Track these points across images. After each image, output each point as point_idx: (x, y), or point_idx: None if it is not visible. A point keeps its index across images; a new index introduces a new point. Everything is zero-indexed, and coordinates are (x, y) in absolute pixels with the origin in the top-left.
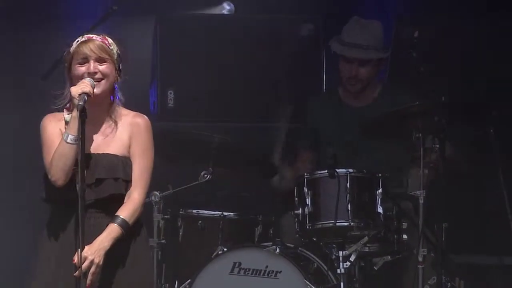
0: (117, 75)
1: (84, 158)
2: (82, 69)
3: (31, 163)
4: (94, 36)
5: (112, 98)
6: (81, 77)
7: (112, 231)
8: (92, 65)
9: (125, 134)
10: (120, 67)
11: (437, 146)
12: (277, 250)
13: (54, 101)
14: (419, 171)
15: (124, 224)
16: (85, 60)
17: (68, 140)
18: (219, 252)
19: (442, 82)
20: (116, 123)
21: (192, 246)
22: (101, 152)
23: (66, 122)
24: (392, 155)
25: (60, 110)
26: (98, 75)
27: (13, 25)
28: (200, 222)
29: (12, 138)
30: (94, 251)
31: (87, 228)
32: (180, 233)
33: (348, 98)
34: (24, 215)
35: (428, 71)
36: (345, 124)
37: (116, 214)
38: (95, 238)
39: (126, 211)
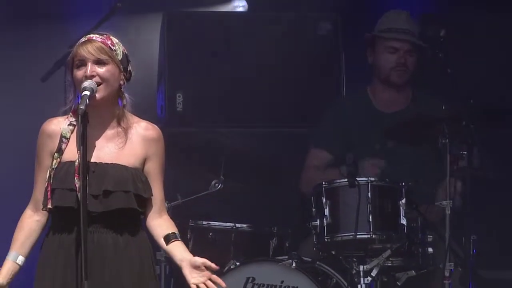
0: (123, 77)
1: (89, 166)
2: (80, 72)
3: (33, 166)
4: (94, 36)
5: (120, 102)
6: (80, 82)
7: (185, 247)
8: (90, 68)
9: (138, 147)
10: (129, 69)
11: (465, 152)
12: (293, 265)
13: (58, 112)
14: (446, 179)
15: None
16: (83, 63)
17: (17, 262)
18: (231, 267)
19: (470, 84)
20: (126, 132)
21: None
22: (109, 162)
23: (63, 136)
24: (416, 162)
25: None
26: (96, 79)
27: (12, 24)
28: (211, 234)
29: (12, 140)
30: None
31: (90, 245)
32: (190, 246)
33: (379, 102)
34: None
35: (456, 73)
36: (371, 129)
37: (168, 232)
38: (98, 256)
39: (175, 228)
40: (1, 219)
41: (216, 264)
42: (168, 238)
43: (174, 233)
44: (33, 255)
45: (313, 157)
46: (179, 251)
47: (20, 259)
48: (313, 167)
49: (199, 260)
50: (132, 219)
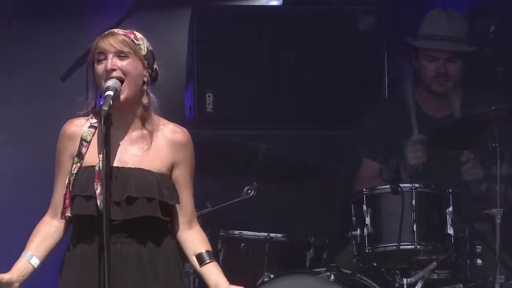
0: (147, 74)
1: (111, 171)
2: (101, 67)
3: (51, 168)
4: (116, 30)
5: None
6: (101, 77)
7: (220, 270)
8: (110, 61)
9: (164, 151)
10: (155, 67)
11: None
12: (332, 277)
13: (78, 112)
14: (496, 186)
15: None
16: (104, 56)
17: (31, 262)
18: (265, 279)
19: None
20: (151, 134)
21: (233, 272)
22: (133, 167)
23: (83, 139)
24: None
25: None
26: (117, 73)
27: (30, 21)
28: (243, 244)
29: (30, 141)
30: None
31: (112, 255)
32: (220, 258)
33: (427, 107)
34: None
35: (506, 71)
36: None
37: (201, 251)
38: (121, 268)
39: (208, 244)
40: (16, 219)
41: (248, 277)
42: (201, 259)
43: (208, 251)
44: (52, 269)
45: (364, 168)
46: (213, 275)
47: (34, 260)
48: (364, 177)
49: None
50: (157, 228)
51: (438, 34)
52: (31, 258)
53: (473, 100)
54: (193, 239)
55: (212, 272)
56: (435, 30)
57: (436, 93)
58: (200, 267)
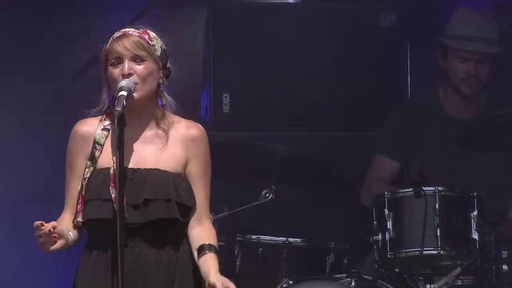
0: (161, 74)
1: (126, 173)
2: (116, 71)
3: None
4: (130, 31)
5: (160, 102)
6: (116, 81)
7: (216, 262)
8: (127, 66)
9: (179, 149)
10: (168, 65)
11: None
12: (353, 283)
13: (88, 111)
14: None
15: (217, 252)
16: (119, 60)
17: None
18: (284, 286)
19: None
20: (166, 133)
21: (251, 278)
22: (149, 168)
23: (96, 142)
24: (489, 170)
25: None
26: (134, 77)
27: (40, 19)
28: (260, 249)
29: (42, 144)
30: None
31: (130, 260)
32: (237, 263)
33: (451, 108)
34: None
35: None
36: (441, 136)
37: (204, 243)
38: (140, 273)
39: (213, 239)
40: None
41: (266, 283)
42: (200, 250)
43: (210, 244)
44: (69, 272)
45: (376, 167)
46: (205, 264)
47: (71, 234)
48: (376, 178)
49: (217, 282)
50: (176, 229)
51: (471, 35)
52: (68, 231)
53: (497, 101)
54: (199, 235)
55: (206, 260)
56: (468, 30)
57: (464, 94)
58: (197, 259)
